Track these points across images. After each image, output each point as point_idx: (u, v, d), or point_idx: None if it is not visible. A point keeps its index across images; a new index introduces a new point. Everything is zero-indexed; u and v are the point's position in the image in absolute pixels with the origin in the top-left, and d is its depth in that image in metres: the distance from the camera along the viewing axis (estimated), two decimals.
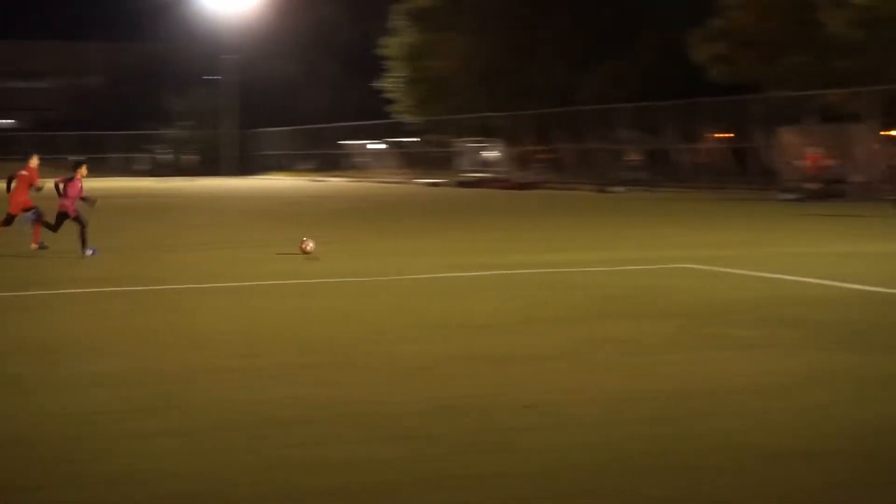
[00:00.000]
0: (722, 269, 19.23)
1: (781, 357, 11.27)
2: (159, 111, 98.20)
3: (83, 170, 22.65)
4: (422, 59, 79.34)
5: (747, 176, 54.77)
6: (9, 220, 23.29)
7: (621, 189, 55.01)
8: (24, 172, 23.29)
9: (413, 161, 78.49)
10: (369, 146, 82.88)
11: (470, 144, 71.01)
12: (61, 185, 22.25)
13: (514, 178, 63.13)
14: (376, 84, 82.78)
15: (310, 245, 21.80)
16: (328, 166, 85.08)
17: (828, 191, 43.12)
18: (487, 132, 72.45)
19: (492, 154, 69.46)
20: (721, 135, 58.48)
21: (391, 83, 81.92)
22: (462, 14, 76.53)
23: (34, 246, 22.65)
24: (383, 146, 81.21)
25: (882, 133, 48.99)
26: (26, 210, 22.85)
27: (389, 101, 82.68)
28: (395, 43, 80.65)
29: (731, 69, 55.14)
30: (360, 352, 11.71)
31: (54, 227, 22.45)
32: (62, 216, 22.20)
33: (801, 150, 46.58)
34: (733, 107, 54.81)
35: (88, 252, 21.76)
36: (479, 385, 10.06)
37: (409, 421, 8.77)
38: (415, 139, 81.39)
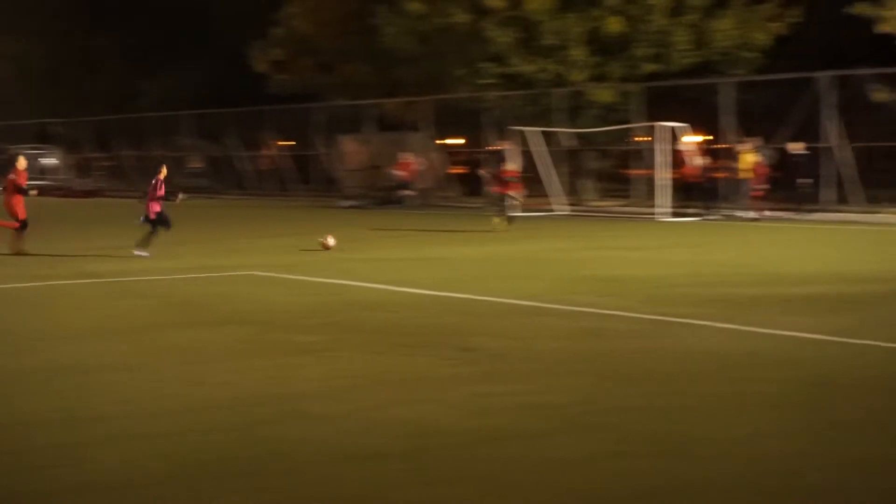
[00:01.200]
0: (285, 276, 19.50)
1: (344, 361, 11.57)
2: None
3: (164, 170, 24.75)
4: None
5: (309, 183, 55.62)
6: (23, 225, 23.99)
7: (183, 196, 54.58)
8: (12, 176, 24.35)
9: None
10: None
11: (27, 151, 68.69)
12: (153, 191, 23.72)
13: (73, 186, 61.60)
14: None
15: (330, 240, 24.29)
16: None
17: (388, 197, 44.35)
18: (46, 139, 70.42)
19: (50, 161, 67.51)
20: (284, 142, 59.08)
21: None
22: (17, 17, 74.02)
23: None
24: None
25: (436, 141, 50.87)
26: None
27: None
28: None
29: (291, 77, 55.81)
30: None
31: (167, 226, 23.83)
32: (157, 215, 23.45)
33: (361, 157, 47.65)
34: (295, 115, 55.48)
35: (142, 253, 22.96)
36: (37, 400, 9.80)
37: None
38: None
